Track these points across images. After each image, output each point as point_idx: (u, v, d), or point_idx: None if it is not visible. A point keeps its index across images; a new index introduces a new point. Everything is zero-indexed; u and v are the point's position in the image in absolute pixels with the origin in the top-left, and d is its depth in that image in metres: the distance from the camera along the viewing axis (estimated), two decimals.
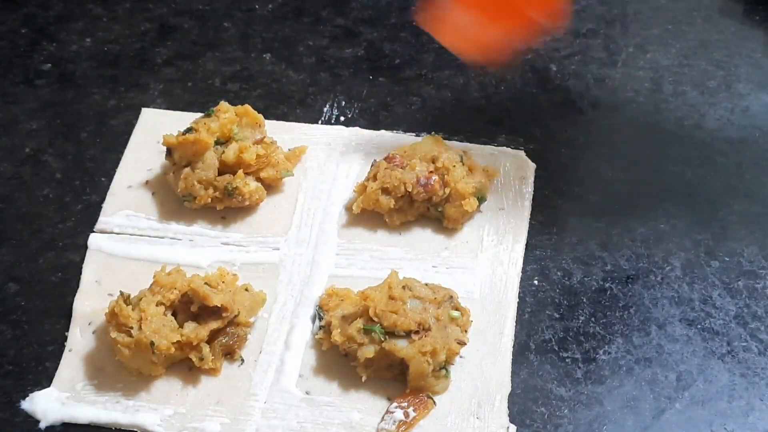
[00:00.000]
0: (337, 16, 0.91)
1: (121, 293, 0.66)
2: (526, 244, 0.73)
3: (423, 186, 0.72)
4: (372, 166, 0.74)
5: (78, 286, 0.71)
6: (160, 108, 0.83)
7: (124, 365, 0.65)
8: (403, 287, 0.66)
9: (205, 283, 0.66)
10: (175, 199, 0.75)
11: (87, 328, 0.68)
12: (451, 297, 0.67)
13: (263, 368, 0.66)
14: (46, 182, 0.78)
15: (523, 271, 0.71)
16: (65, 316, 0.69)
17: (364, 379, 0.65)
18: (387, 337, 0.64)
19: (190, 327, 0.65)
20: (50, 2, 0.93)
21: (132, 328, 0.64)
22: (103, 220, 0.75)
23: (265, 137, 0.75)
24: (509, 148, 0.79)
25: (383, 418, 0.64)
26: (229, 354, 0.67)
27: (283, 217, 0.75)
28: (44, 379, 0.66)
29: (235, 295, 0.67)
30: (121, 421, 0.64)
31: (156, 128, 0.79)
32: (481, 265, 0.72)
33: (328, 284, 0.70)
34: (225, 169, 0.73)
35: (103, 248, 0.73)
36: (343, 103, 0.84)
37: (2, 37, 0.90)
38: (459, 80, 0.85)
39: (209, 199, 0.73)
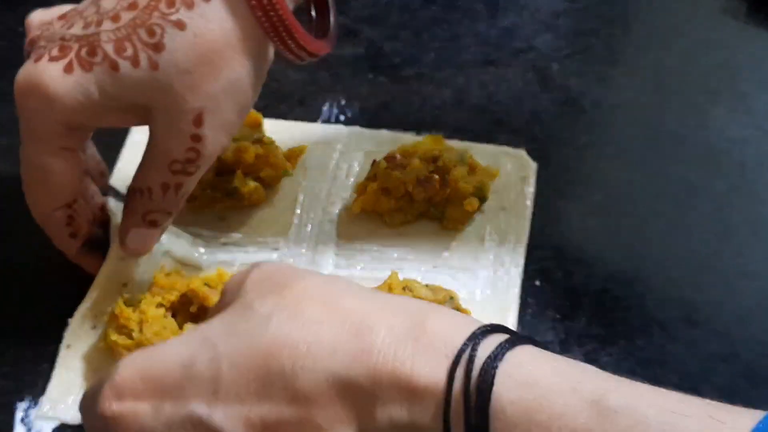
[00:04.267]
0: (337, 16, 0.91)
1: (122, 295, 0.65)
2: (528, 245, 0.73)
3: (423, 186, 0.71)
4: (372, 166, 0.74)
5: (77, 286, 0.71)
6: None
7: None
8: (404, 288, 0.65)
9: (205, 284, 0.66)
10: None
11: (86, 328, 0.68)
12: (452, 298, 0.66)
13: None
14: None
15: (525, 271, 0.71)
16: (65, 315, 0.69)
17: None
18: None
19: (189, 328, 0.65)
20: (50, 2, 0.93)
21: (133, 330, 0.64)
22: None
23: (264, 137, 0.75)
24: (510, 148, 0.79)
25: None
26: None
27: (283, 217, 0.75)
28: (43, 380, 0.66)
29: None
30: None
31: None
32: (483, 266, 0.71)
33: None
34: (224, 169, 0.73)
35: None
36: (343, 102, 0.83)
37: (2, 36, 0.90)
38: (459, 79, 0.85)
39: (208, 200, 0.73)
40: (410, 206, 0.73)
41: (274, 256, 0.72)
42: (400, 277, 0.67)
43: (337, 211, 0.75)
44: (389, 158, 0.73)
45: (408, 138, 0.79)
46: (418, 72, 0.86)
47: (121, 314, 0.64)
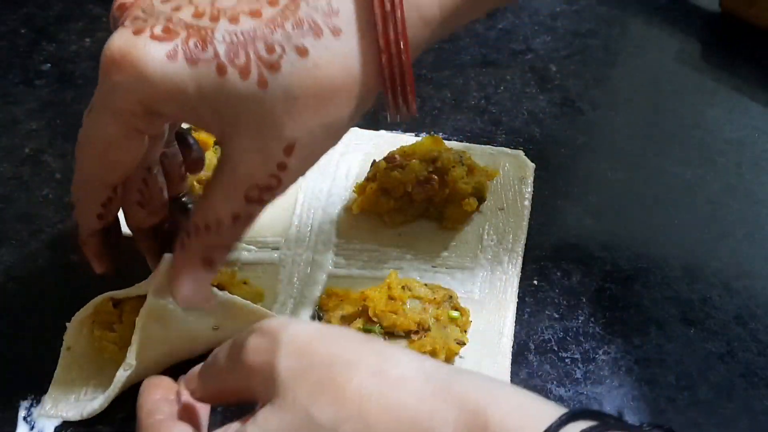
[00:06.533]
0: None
1: (107, 295, 0.65)
2: (526, 244, 0.73)
3: (422, 186, 0.72)
4: (372, 166, 0.74)
5: (77, 286, 0.71)
6: None
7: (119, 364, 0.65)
8: (403, 287, 0.66)
9: None
10: None
11: (86, 331, 0.68)
12: (451, 297, 0.67)
13: None
14: (46, 182, 0.78)
15: (523, 271, 0.71)
16: (65, 316, 0.69)
17: None
18: (387, 337, 0.64)
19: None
20: (50, 2, 0.93)
21: (114, 323, 0.63)
22: None
23: None
24: (508, 149, 0.79)
25: None
26: None
27: (283, 217, 0.75)
28: (44, 380, 0.66)
29: (234, 288, 0.67)
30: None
31: None
32: (481, 265, 0.72)
33: (328, 284, 0.70)
34: None
35: None
36: None
37: (2, 37, 0.90)
38: (458, 80, 0.85)
39: None
40: (409, 206, 0.73)
41: (275, 255, 0.72)
42: (399, 276, 0.67)
43: (336, 211, 0.75)
44: (389, 159, 0.74)
45: (407, 139, 0.79)
46: (417, 73, 0.86)
47: (102, 309, 0.64)
